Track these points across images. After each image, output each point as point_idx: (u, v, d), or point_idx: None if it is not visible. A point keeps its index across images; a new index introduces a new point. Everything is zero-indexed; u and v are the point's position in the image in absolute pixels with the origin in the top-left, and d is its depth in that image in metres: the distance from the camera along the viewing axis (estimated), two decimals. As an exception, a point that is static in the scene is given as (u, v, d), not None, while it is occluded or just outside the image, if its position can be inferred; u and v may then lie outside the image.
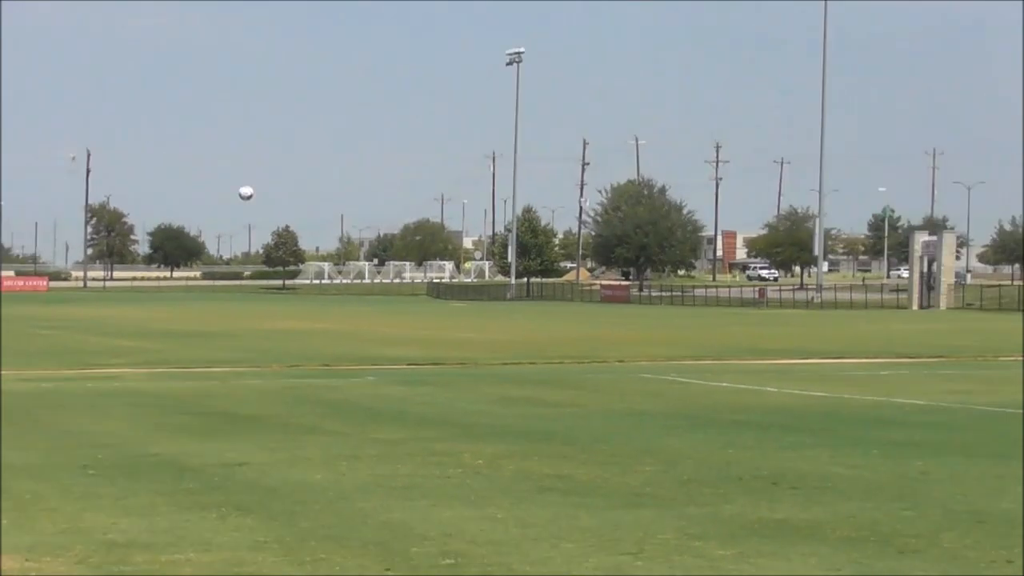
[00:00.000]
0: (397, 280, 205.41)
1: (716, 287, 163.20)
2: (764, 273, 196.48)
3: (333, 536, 13.28)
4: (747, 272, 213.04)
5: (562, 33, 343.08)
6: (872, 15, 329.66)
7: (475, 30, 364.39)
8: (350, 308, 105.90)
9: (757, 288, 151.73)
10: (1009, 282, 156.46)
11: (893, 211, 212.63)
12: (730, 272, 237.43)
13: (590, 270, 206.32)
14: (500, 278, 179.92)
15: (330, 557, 12.40)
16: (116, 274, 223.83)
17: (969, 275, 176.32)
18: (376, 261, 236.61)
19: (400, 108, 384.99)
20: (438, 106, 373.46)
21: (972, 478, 17.04)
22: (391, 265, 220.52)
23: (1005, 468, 18.03)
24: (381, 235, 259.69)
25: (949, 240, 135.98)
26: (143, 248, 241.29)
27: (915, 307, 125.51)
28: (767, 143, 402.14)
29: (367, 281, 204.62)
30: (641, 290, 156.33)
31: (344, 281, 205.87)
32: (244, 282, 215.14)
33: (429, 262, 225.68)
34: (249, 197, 55.53)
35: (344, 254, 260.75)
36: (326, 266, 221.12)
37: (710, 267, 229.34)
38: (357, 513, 14.56)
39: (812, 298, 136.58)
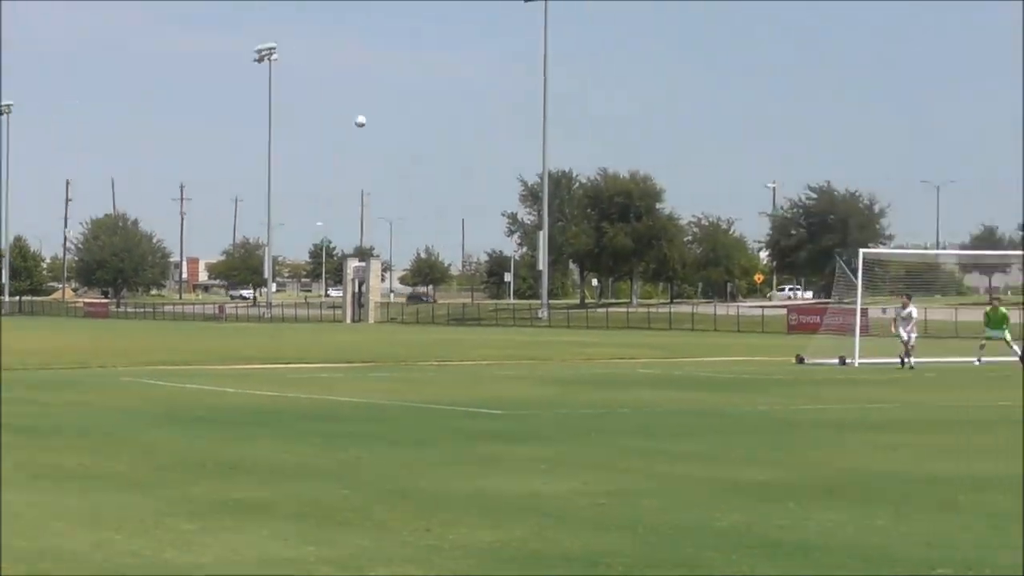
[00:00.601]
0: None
1: (183, 304, 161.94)
2: (245, 293, 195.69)
3: None
4: (230, 293, 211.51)
5: (46, 83, 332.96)
6: (305, 70, 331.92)
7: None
8: None
9: (217, 305, 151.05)
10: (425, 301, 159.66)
11: (330, 241, 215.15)
12: (194, 292, 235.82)
13: (74, 290, 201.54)
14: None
15: None
16: None
17: (392, 295, 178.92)
18: None
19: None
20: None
21: (397, 462, 17.32)
22: None
23: (424, 452, 18.42)
24: None
25: (375, 266, 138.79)
26: None
27: (348, 321, 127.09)
28: (226, 182, 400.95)
29: None
30: (119, 306, 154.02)
31: None
32: None
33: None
34: (363, 125, 55.76)
35: None
36: None
37: (177, 287, 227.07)
38: None
39: (263, 314, 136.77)
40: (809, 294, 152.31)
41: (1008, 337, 44.87)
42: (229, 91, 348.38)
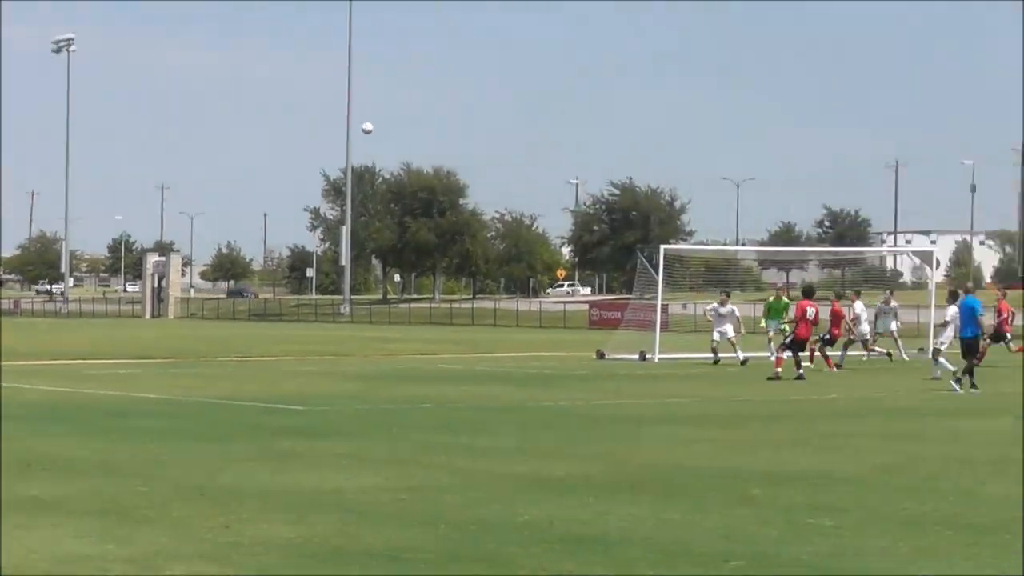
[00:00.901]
0: None
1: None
2: (53, 288, 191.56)
3: None
4: (35, 287, 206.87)
5: None
6: (104, 62, 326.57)
7: None
8: None
9: (12, 300, 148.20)
10: (224, 296, 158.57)
11: (129, 236, 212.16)
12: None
13: None
14: None
15: None
16: None
17: (192, 290, 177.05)
18: None
19: None
20: None
21: (196, 458, 17.17)
22: None
23: (224, 449, 18.27)
24: None
25: (176, 261, 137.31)
26: None
27: (148, 316, 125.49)
28: (21, 175, 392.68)
29: None
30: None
31: None
32: None
33: None
34: (369, 132, 55.23)
35: None
36: None
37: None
38: None
39: (60, 309, 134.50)
40: (588, 290, 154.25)
41: (786, 328, 45.33)
42: (25, 82, 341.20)
